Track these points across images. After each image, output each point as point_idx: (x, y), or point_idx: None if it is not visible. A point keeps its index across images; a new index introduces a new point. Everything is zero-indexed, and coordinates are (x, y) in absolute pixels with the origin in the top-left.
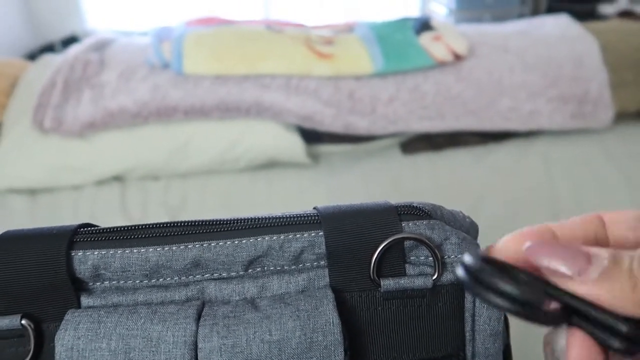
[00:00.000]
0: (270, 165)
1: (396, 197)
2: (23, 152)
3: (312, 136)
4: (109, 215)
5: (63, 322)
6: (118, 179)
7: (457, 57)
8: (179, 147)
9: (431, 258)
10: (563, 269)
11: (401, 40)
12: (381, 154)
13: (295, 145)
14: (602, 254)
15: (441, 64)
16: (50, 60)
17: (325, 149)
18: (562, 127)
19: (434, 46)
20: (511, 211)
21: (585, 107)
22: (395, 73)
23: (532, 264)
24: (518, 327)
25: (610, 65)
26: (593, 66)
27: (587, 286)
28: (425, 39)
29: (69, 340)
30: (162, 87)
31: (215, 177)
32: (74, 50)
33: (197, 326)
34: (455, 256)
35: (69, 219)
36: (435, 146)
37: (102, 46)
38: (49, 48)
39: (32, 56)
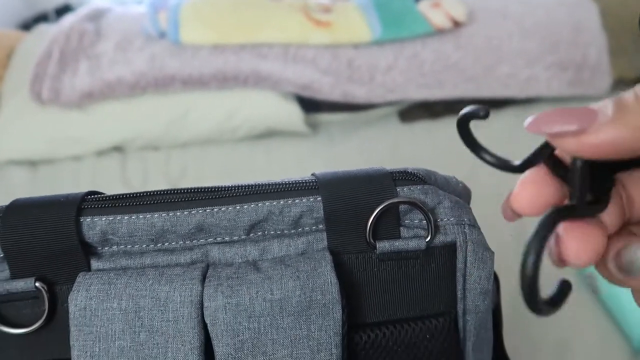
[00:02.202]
0: (269, 134)
1: (394, 165)
2: (22, 124)
3: (310, 105)
4: (110, 185)
5: (75, 284)
6: (118, 149)
7: (456, 24)
8: (177, 118)
9: (425, 221)
10: (573, 126)
11: (400, 7)
12: (379, 123)
13: (293, 115)
14: (605, 102)
15: (440, 31)
16: (46, 31)
17: (323, 117)
18: (559, 94)
19: (432, 13)
20: (507, 178)
21: (583, 73)
22: (394, 41)
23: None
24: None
25: (609, 30)
26: (592, 31)
27: (602, 132)
28: (424, 5)
29: (81, 301)
30: (159, 57)
31: (214, 146)
32: (69, 20)
33: (203, 286)
34: (448, 219)
35: (70, 189)
36: (434, 114)
37: (97, 16)
38: (42, 17)
39: (26, 26)
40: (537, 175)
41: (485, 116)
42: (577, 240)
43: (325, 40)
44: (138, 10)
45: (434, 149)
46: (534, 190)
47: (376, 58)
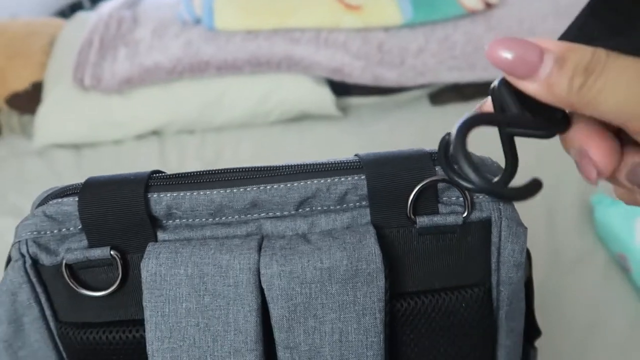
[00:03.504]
0: (301, 117)
1: (425, 148)
2: (66, 109)
3: (341, 89)
4: (149, 168)
5: (146, 252)
6: (156, 133)
7: (488, 5)
8: (212, 102)
9: (461, 198)
10: (518, 67)
11: None
12: (410, 105)
13: (325, 98)
14: (554, 49)
15: (472, 13)
16: (85, 18)
17: (354, 101)
18: None
19: None
20: (538, 158)
21: None
22: (425, 23)
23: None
24: (541, 267)
25: None
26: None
27: (534, 85)
28: None
29: (152, 267)
30: (194, 43)
31: (248, 130)
32: (107, 7)
33: (259, 256)
34: (484, 196)
35: (112, 171)
36: (465, 97)
37: (134, 3)
38: (77, 5)
39: (63, 13)
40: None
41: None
42: (600, 150)
43: (356, 23)
44: None
45: None
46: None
47: (407, 41)
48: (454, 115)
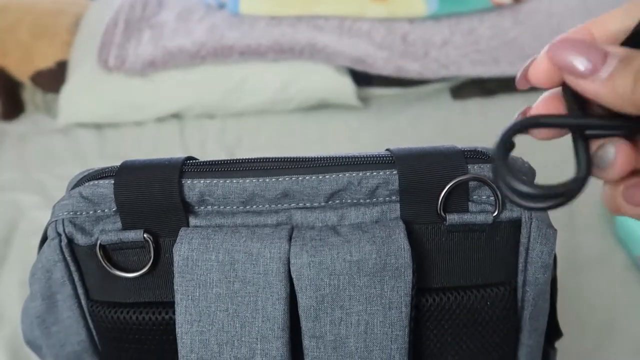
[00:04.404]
0: (321, 106)
1: (445, 142)
2: (89, 89)
3: (362, 79)
4: (169, 150)
5: (179, 237)
6: (176, 116)
7: (516, 0)
8: (234, 87)
9: (492, 197)
10: (579, 65)
11: None
12: (431, 98)
13: (346, 88)
14: (618, 52)
15: (498, 7)
16: None
17: (375, 91)
18: None
19: None
20: (564, 156)
21: None
22: (450, 15)
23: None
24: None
25: None
26: None
27: (595, 84)
28: None
29: (184, 252)
30: (218, 27)
31: (268, 117)
32: None
33: (289, 245)
34: None
35: (134, 153)
36: (487, 92)
37: None
38: None
39: None
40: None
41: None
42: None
43: (381, 13)
44: None
45: (486, 126)
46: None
47: (431, 33)
48: (474, 110)
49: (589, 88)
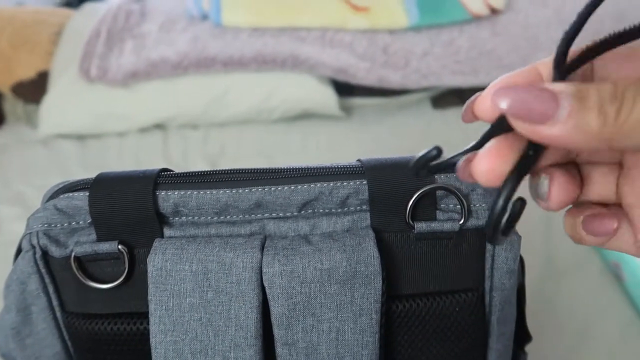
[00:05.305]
0: (304, 116)
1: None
2: (71, 100)
3: (345, 89)
4: (152, 161)
5: (153, 248)
6: (160, 127)
7: (494, 11)
8: (217, 97)
9: (459, 206)
10: (533, 113)
11: None
12: (412, 108)
13: (328, 98)
14: (567, 90)
15: (477, 18)
16: (93, 9)
17: (357, 101)
18: None
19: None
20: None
21: None
22: (430, 27)
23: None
24: (534, 273)
25: None
26: (636, 22)
27: (555, 128)
28: None
29: (158, 262)
30: (201, 38)
31: (251, 127)
32: (116, 0)
33: (262, 255)
34: (480, 205)
35: (116, 163)
36: (465, 101)
37: None
38: None
39: (69, 4)
40: (497, 147)
41: (438, 156)
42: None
43: (362, 25)
44: None
45: (465, 134)
46: (493, 162)
47: (412, 44)
48: (454, 119)
49: (546, 134)
